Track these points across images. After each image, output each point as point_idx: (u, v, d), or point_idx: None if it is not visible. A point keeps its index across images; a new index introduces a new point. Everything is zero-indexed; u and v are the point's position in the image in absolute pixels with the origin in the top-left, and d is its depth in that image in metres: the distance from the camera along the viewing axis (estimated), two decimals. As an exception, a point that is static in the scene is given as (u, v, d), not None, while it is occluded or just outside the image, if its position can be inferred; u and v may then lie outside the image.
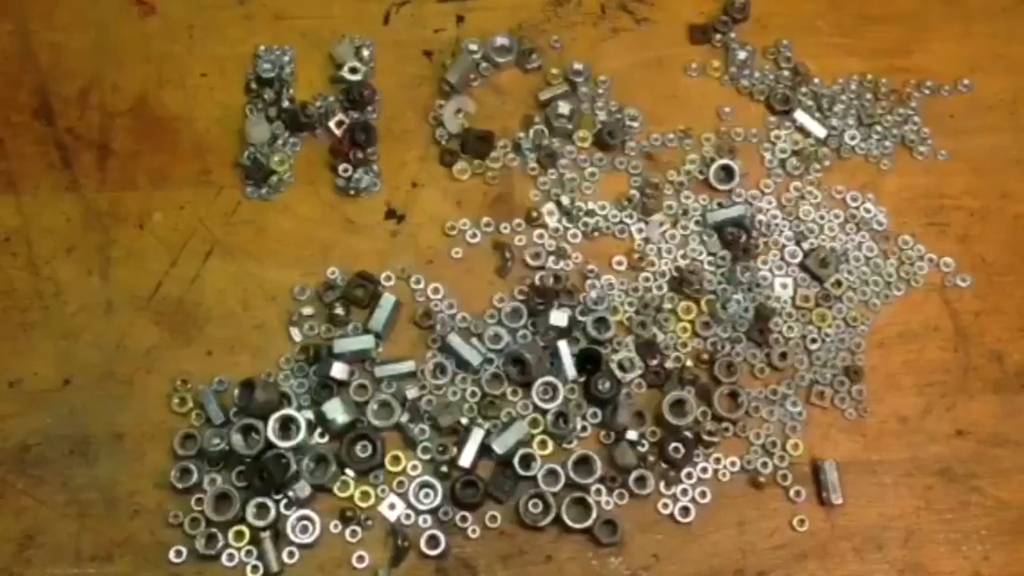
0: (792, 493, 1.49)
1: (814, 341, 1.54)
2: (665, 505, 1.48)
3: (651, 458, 1.48)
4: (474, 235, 1.57)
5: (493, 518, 1.47)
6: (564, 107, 1.60)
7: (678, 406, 1.49)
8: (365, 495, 1.47)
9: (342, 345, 1.50)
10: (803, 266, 1.57)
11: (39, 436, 1.49)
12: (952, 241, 1.59)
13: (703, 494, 1.48)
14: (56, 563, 1.45)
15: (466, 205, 1.60)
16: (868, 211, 1.60)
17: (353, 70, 1.62)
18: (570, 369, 1.51)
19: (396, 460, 1.48)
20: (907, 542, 1.48)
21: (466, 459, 1.46)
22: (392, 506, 1.47)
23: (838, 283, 1.56)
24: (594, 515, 1.46)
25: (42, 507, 1.47)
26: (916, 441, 1.51)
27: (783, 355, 1.53)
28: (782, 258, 1.58)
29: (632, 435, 1.48)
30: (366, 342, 1.51)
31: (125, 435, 1.49)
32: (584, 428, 1.50)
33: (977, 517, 1.49)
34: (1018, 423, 1.52)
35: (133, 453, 1.49)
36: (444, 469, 1.47)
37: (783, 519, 1.48)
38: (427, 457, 1.48)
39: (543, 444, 1.49)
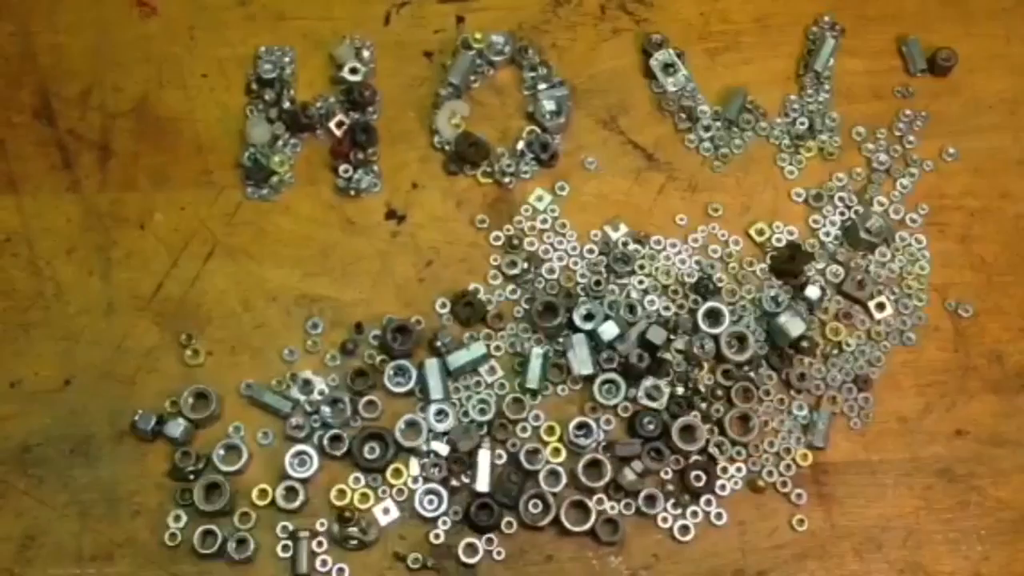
0: (794, 496, 1.49)
1: (835, 349, 1.53)
2: (665, 520, 1.47)
3: (670, 487, 1.48)
4: (514, 291, 1.56)
5: (508, 524, 1.47)
6: (550, 103, 1.61)
7: (687, 431, 1.49)
8: (364, 497, 1.47)
9: (457, 359, 1.49)
10: (841, 291, 1.54)
11: (40, 436, 1.50)
12: (952, 241, 1.59)
13: (708, 501, 1.48)
14: (57, 563, 1.46)
15: (466, 206, 1.60)
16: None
17: (353, 71, 1.62)
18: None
19: (398, 473, 1.47)
20: (906, 542, 1.48)
21: (482, 483, 1.46)
22: (386, 510, 1.46)
23: (880, 306, 1.54)
24: (593, 518, 1.46)
25: (43, 507, 1.47)
26: (916, 441, 1.51)
27: (801, 375, 1.51)
28: (825, 280, 1.55)
29: (638, 467, 1.47)
30: (478, 350, 1.50)
31: (126, 435, 1.49)
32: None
33: (977, 517, 1.49)
34: (1018, 423, 1.52)
35: (134, 453, 1.49)
36: (455, 483, 1.47)
37: (783, 519, 1.49)
38: (437, 478, 1.47)
39: (556, 452, 1.49)
